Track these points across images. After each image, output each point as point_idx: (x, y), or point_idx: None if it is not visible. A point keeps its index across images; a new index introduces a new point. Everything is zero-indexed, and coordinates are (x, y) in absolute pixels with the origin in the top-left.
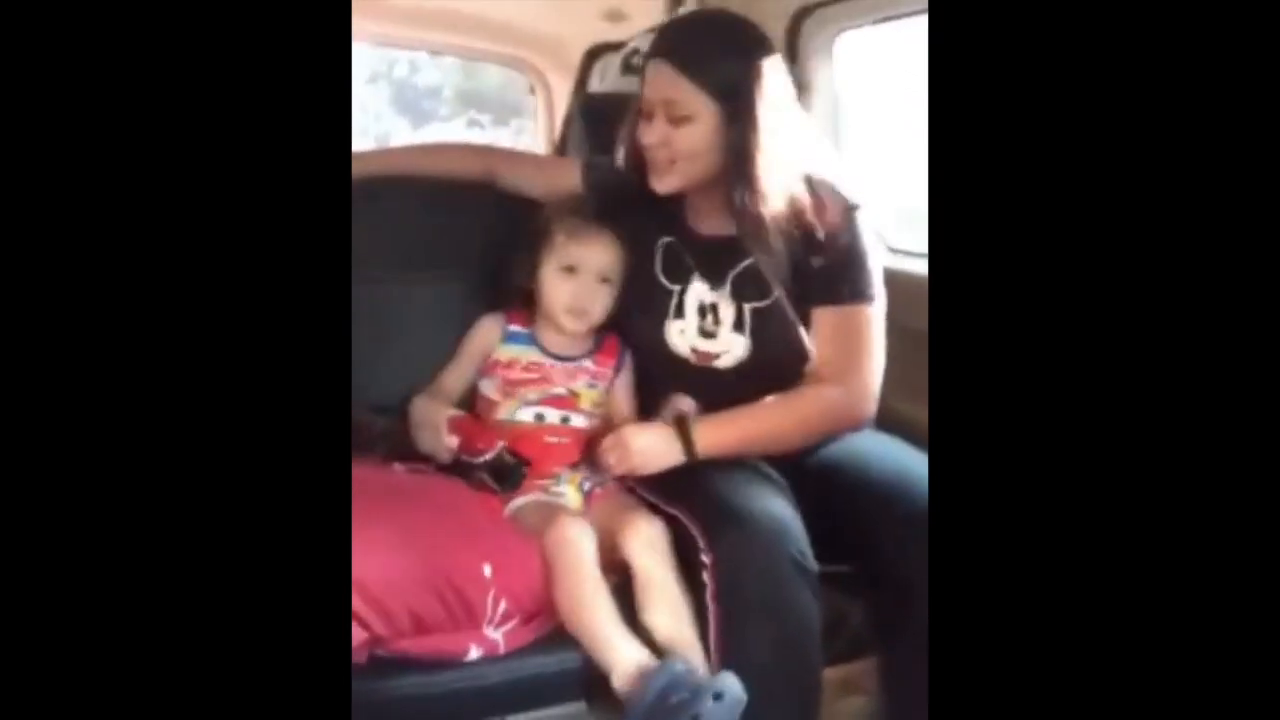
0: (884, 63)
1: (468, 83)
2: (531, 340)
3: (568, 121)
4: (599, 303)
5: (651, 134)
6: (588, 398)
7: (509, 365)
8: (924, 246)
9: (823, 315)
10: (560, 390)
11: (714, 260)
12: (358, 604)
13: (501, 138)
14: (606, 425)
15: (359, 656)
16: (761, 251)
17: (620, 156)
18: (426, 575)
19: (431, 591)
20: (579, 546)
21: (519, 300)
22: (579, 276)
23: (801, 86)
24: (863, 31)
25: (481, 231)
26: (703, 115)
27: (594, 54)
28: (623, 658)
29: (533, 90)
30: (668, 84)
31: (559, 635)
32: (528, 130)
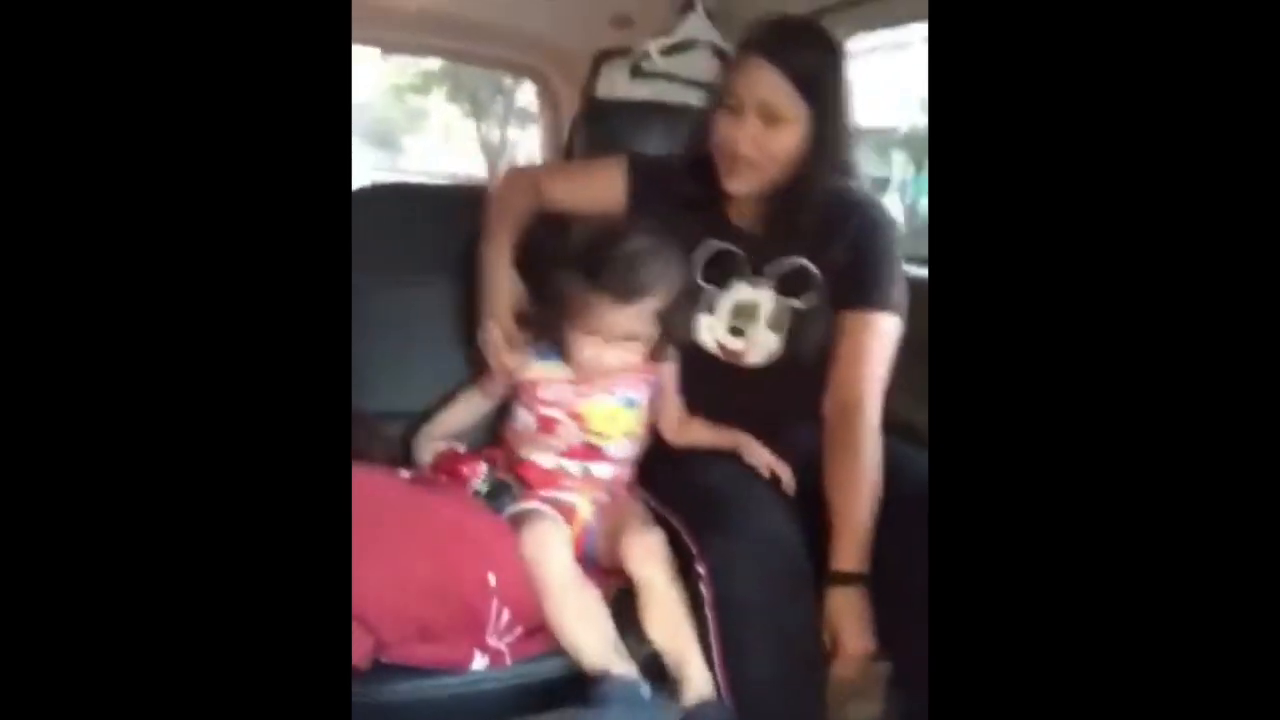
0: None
1: None
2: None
3: (574, 126)
4: (623, 358)
5: (743, 132)
6: (622, 427)
7: (536, 387)
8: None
9: (842, 319)
10: (586, 438)
11: (759, 258)
12: (363, 609)
13: None
14: (653, 429)
15: (363, 662)
16: (804, 249)
17: (687, 148)
18: (431, 582)
19: (436, 598)
20: (550, 549)
21: None
22: (601, 338)
23: None
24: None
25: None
26: (798, 120)
27: (601, 59)
28: (589, 658)
29: (540, 95)
30: (768, 84)
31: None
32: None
